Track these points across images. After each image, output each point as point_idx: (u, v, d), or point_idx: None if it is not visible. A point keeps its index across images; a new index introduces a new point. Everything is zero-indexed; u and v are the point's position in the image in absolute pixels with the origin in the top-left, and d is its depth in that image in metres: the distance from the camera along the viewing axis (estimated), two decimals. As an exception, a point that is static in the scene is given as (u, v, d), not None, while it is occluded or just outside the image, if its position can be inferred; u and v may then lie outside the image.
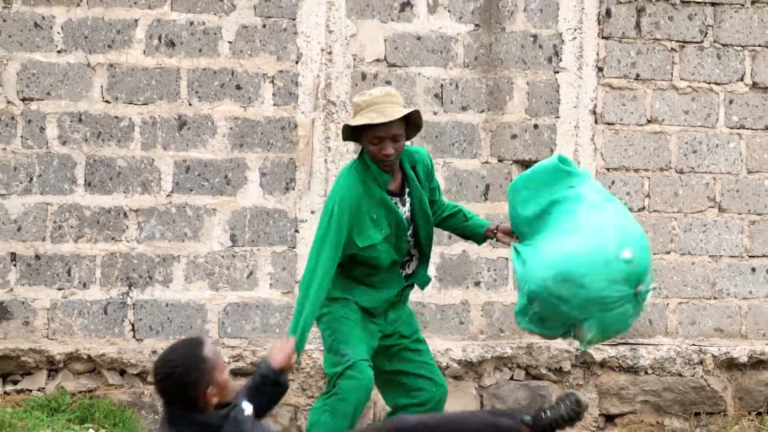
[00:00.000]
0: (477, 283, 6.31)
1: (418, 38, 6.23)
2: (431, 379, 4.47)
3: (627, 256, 3.98)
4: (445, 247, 6.24)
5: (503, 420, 4.21)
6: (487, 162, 6.33)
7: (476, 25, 6.28)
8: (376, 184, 4.29)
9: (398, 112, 4.19)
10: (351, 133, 4.30)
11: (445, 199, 4.73)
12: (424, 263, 4.59)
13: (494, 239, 4.53)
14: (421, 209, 4.42)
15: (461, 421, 4.24)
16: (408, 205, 4.40)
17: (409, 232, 4.43)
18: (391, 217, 4.34)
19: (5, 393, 5.93)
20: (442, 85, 6.27)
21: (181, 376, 3.46)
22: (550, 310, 4.07)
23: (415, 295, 5.66)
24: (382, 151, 4.19)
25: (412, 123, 4.30)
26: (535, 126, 6.37)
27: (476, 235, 4.61)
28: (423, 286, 4.67)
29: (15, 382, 5.95)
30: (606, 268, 3.97)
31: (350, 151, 6.13)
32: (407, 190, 4.39)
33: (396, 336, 4.49)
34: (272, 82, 6.12)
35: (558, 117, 6.38)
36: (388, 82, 6.19)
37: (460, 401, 6.14)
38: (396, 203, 4.35)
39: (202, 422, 3.50)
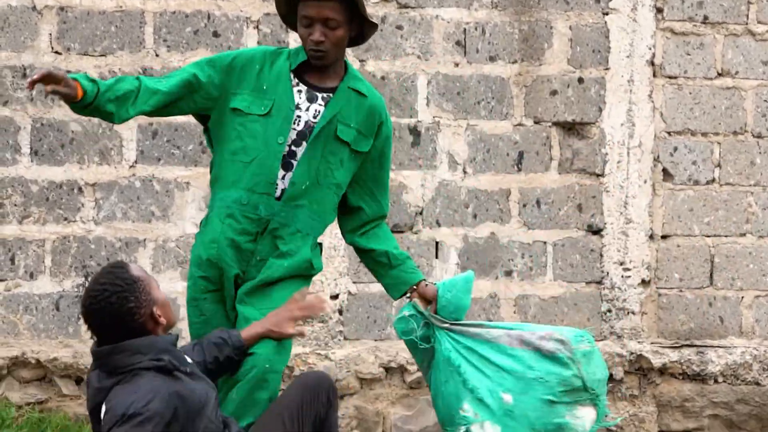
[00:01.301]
0: (508, 273, 5.94)
1: (436, -27, 5.90)
2: None
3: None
4: (468, 229, 5.87)
5: None
6: (520, 124, 5.93)
7: (507, -45, 5.95)
8: (291, 59, 3.98)
9: None
10: (285, 8, 3.99)
11: (386, 223, 4.21)
12: (297, 223, 4.00)
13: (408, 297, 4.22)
14: (331, 132, 3.95)
15: None
16: (314, 112, 3.96)
17: (290, 139, 3.96)
18: (276, 97, 3.96)
19: None
20: (465, 30, 5.89)
21: (120, 301, 3.34)
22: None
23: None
24: (311, 36, 3.82)
25: (361, 21, 3.96)
26: (580, 80, 5.96)
27: (393, 288, 4.21)
28: (298, 266, 4.01)
29: None
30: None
31: (353, 111, 5.50)
32: (328, 97, 3.96)
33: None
34: (257, 27, 5.75)
35: (607, 69, 5.96)
36: (399, 27, 5.74)
37: None
38: (299, 91, 3.96)
39: (161, 347, 3.34)
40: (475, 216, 5.86)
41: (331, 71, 4.00)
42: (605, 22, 5.93)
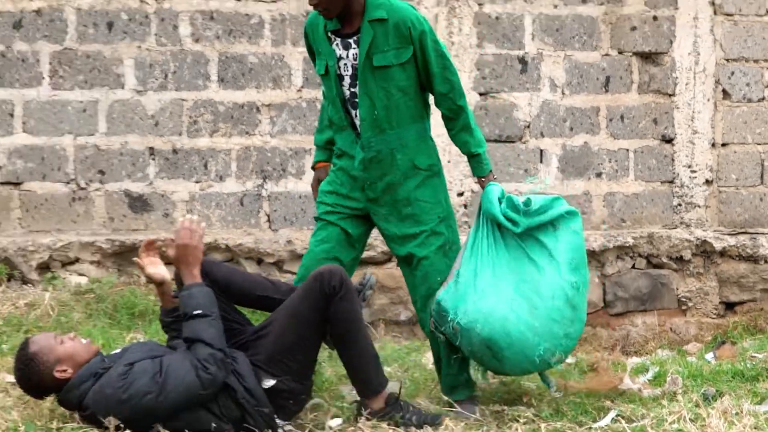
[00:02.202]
0: (598, 174, 6.40)
1: (538, -69, 6.29)
2: None
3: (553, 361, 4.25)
4: (566, 139, 6.34)
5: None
6: (607, 54, 6.38)
7: None
8: (325, 21, 4.26)
9: None
10: None
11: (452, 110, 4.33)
12: (389, 147, 4.29)
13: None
14: (370, 65, 4.18)
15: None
16: (352, 51, 4.21)
17: (347, 83, 4.26)
18: (326, 58, 4.25)
19: (147, 283, 6.02)
20: None
21: (26, 378, 3.89)
22: (462, 342, 4.24)
23: (538, 185, 5.83)
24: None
25: None
26: (654, 18, 6.40)
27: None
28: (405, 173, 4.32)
29: None
30: (526, 360, 4.19)
31: (473, 45, 6.26)
32: (357, 38, 4.20)
33: None
34: None
35: (677, 8, 6.40)
36: None
37: None
38: (337, 44, 4.23)
39: (75, 386, 3.86)
40: (571, 129, 6.29)
41: (352, 16, 4.18)
42: (675, -29, 6.30)
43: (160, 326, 4.31)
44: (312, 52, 4.37)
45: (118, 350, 4.10)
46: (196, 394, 3.81)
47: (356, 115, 4.25)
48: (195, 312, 3.91)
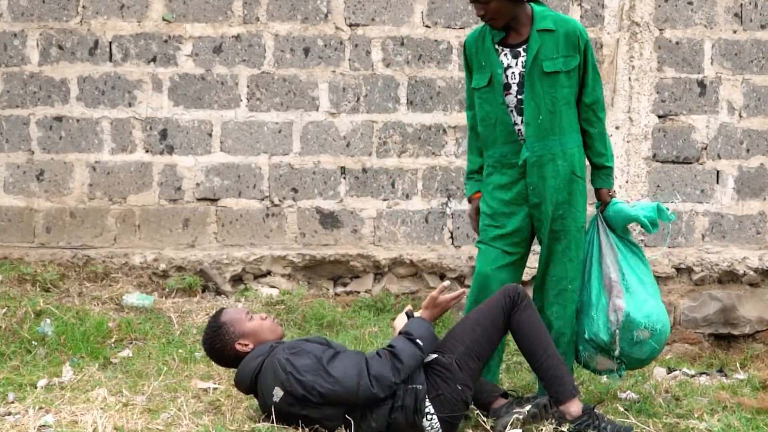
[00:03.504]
0: None
1: (720, -42, 6.38)
2: None
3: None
4: (743, 161, 6.43)
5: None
6: None
7: (777, -55, 6.39)
8: (493, 33, 4.41)
9: None
10: None
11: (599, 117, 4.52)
12: (550, 148, 4.44)
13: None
14: (539, 71, 4.35)
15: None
16: (521, 59, 4.37)
17: (513, 91, 4.40)
18: (492, 68, 4.40)
19: (336, 294, 6.41)
20: (741, 4, 6.42)
21: (213, 345, 4.15)
22: (637, 348, 4.55)
23: (713, 206, 6.10)
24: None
25: None
26: None
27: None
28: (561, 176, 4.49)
29: (345, 285, 6.43)
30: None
31: (653, 69, 6.40)
32: (525, 47, 4.36)
33: None
34: (580, 4, 6.39)
35: None
36: (690, 3, 6.40)
37: (755, 307, 6.42)
38: (505, 54, 4.38)
39: (253, 358, 4.07)
40: (747, 150, 6.39)
41: (520, 27, 4.35)
42: None
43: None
44: (470, 68, 4.52)
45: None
46: (346, 396, 3.90)
47: (521, 121, 4.39)
48: (415, 337, 4.06)
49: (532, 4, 4.40)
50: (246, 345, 4.13)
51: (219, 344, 4.14)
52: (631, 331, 4.44)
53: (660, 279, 6.35)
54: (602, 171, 4.53)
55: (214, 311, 6.07)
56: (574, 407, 4.20)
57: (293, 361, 3.95)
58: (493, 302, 4.22)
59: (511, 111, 4.39)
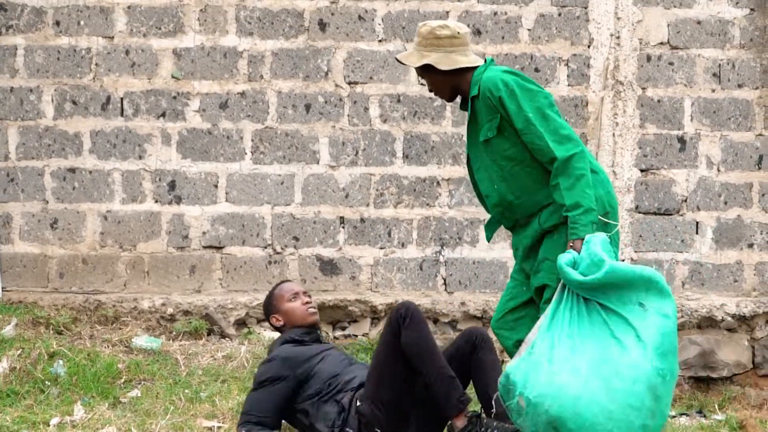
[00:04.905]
0: (750, 245, 6.64)
1: (698, 22, 6.61)
2: None
3: None
4: (721, 212, 6.61)
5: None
6: (760, 134, 6.63)
7: (751, 9, 6.61)
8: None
9: (411, 56, 4.16)
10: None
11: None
12: (514, 223, 4.14)
13: None
14: (475, 144, 4.09)
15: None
16: (468, 135, 4.19)
17: (475, 168, 4.20)
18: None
19: (335, 338, 6.58)
20: (719, 65, 6.61)
21: (263, 310, 4.82)
22: (525, 420, 3.77)
23: (693, 255, 6.30)
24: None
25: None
26: None
27: None
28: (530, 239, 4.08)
29: (343, 328, 6.58)
30: None
31: (636, 125, 6.67)
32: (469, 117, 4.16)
33: None
34: (566, 64, 6.60)
35: None
36: (671, 63, 6.64)
37: (733, 351, 6.60)
38: (467, 122, 4.21)
39: (284, 337, 4.65)
40: (725, 202, 6.53)
41: (465, 97, 4.17)
42: (827, 57, 6.50)
43: None
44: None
45: None
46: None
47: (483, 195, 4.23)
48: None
49: (482, 65, 4.12)
50: (278, 320, 4.69)
51: (265, 309, 4.80)
52: (511, 395, 3.80)
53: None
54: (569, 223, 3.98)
55: (218, 353, 6.34)
56: (460, 421, 4.15)
57: (261, 369, 4.55)
58: (385, 329, 4.28)
59: (476, 183, 4.28)
